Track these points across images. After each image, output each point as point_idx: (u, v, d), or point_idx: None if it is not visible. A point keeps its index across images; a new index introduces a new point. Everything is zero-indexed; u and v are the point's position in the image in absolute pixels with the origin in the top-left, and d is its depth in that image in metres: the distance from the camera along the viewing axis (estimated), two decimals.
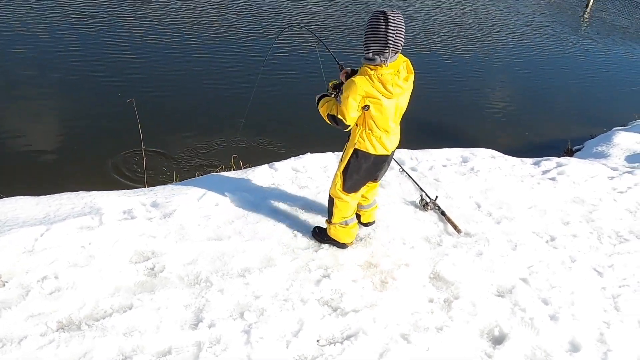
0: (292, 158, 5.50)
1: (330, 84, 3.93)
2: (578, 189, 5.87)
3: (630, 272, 4.63)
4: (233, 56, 10.63)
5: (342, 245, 4.28)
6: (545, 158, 6.68)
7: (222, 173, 5.39)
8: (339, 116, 3.63)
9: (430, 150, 6.36)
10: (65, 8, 11.61)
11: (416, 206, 5.00)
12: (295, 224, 4.44)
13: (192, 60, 10.14)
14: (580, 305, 4.11)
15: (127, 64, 9.58)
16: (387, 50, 3.43)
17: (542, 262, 4.54)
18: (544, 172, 6.20)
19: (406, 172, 5.42)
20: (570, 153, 8.50)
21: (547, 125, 10.19)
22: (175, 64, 9.87)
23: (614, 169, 6.64)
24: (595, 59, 14.72)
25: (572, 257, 4.68)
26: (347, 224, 4.15)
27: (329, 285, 3.84)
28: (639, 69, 14.52)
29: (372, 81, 3.50)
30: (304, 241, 4.25)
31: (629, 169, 6.66)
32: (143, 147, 6.04)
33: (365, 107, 3.58)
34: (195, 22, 12.06)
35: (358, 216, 4.41)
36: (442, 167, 5.94)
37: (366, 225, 4.53)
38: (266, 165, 5.34)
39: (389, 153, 3.88)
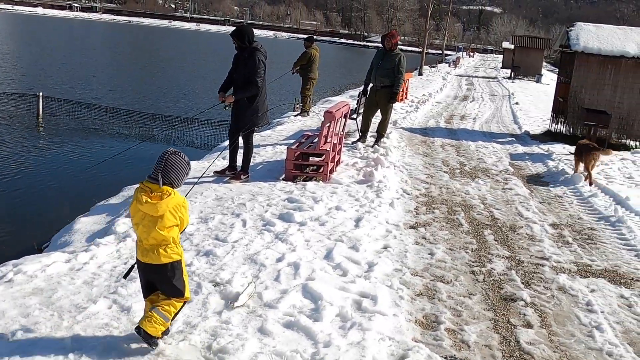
0: None
1: None
2: None
3: None
4: None
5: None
6: None
7: None
8: None
9: None
10: None
11: None
12: None
13: None
14: None
15: None
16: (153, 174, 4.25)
17: None
18: None
19: None
20: (40, 251, 8.81)
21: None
22: None
23: (71, 253, 7.26)
24: (49, 159, 15.52)
25: None
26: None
27: None
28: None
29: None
30: None
31: (84, 249, 7.39)
32: None
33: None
34: None
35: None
36: None
37: None
38: None
39: (139, 258, 4.39)
